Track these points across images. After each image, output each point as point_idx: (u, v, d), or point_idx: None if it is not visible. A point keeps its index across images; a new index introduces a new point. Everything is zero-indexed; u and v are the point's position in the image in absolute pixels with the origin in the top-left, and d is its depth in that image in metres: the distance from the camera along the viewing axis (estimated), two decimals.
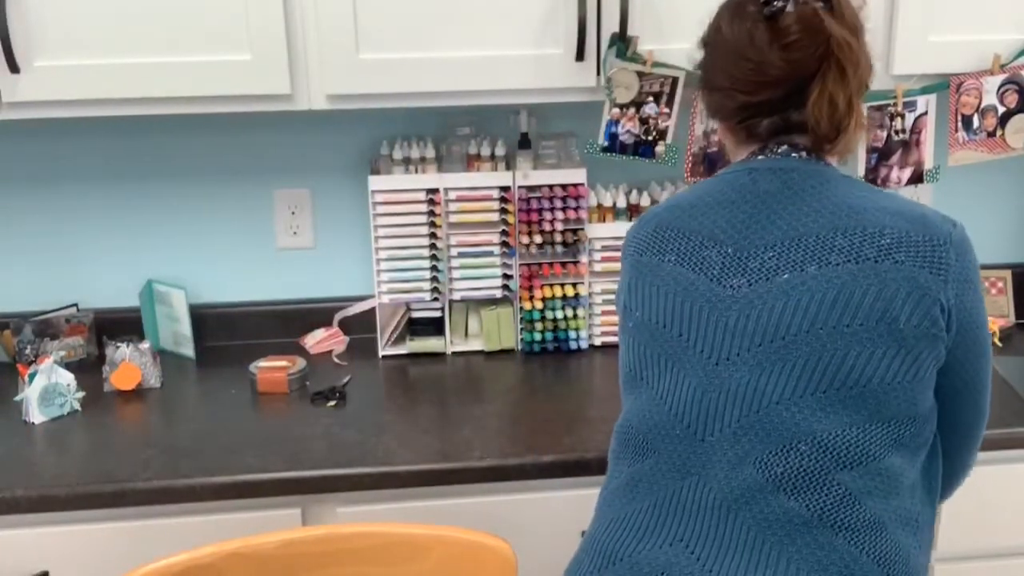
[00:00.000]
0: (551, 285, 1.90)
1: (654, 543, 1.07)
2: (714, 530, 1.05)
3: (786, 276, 1.06)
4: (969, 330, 1.10)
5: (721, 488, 1.05)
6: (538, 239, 1.86)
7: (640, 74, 1.66)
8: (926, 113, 1.75)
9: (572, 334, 1.91)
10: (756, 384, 1.05)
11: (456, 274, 1.89)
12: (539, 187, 1.85)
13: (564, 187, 1.85)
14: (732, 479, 1.05)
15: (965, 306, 1.08)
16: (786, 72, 1.10)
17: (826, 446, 1.03)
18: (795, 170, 1.13)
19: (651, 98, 1.70)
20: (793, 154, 1.14)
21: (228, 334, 2.00)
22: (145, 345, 1.78)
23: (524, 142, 1.89)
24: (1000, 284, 2.01)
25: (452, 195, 1.85)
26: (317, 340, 1.96)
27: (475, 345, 1.94)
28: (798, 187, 1.11)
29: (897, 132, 1.76)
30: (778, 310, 1.05)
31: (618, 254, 1.87)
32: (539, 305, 1.89)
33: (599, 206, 1.89)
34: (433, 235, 1.86)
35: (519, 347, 1.93)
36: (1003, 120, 1.75)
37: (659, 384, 1.12)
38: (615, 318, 1.92)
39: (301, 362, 1.79)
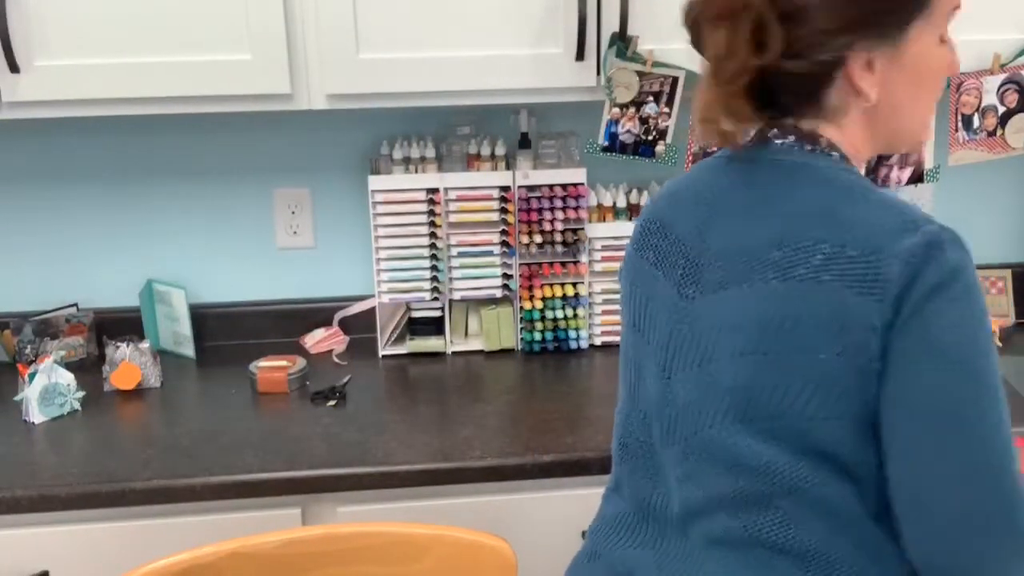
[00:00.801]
0: (551, 285, 1.90)
1: (629, 543, 1.09)
2: (674, 540, 1.05)
3: (727, 292, 0.98)
4: (926, 348, 0.89)
5: (676, 502, 1.05)
6: (538, 239, 1.86)
7: (640, 74, 1.66)
8: None
9: (572, 334, 1.91)
10: (697, 406, 1.01)
11: (456, 274, 1.89)
12: (539, 187, 1.85)
13: (564, 187, 1.85)
14: (682, 495, 1.04)
15: (911, 325, 0.89)
16: None
17: (762, 473, 0.96)
18: (755, 160, 1.02)
19: (651, 98, 1.70)
20: (778, 140, 1.01)
21: (228, 334, 2.00)
22: (145, 345, 1.78)
23: (524, 142, 1.89)
24: (1000, 284, 2.01)
25: (452, 195, 1.85)
26: (317, 340, 1.96)
27: (475, 345, 1.94)
28: (759, 185, 1.00)
29: None
30: (715, 331, 0.99)
31: (618, 253, 1.89)
32: (539, 305, 1.89)
33: (599, 206, 1.89)
34: (433, 235, 1.86)
35: (519, 347, 1.93)
36: (1003, 120, 1.75)
37: (635, 388, 1.11)
38: (615, 318, 1.92)
39: (301, 362, 1.79)
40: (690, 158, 1.77)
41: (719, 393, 0.98)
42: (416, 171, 1.86)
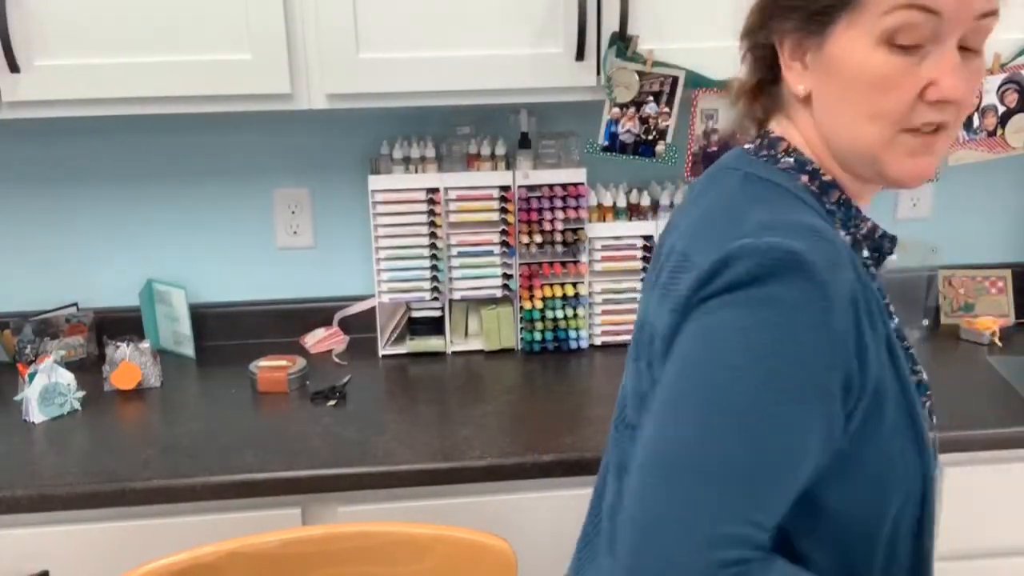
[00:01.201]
0: (551, 285, 1.90)
1: (582, 533, 1.12)
2: (595, 529, 1.07)
3: (644, 297, 0.99)
4: (680, 345, 0.84)
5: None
6: (538, 239, 1.86)
7: (640, 73, 1.66)
8: None
9: (572, 333, 1.91)
10: (617, 407, 1.04)
11: (456, 273, 1.89)
12: (539, 187, 1.85)
13: (564, 187, 1.85)
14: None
15: (680, 328, 0.84)
16: None
17: (622, 476, 0.96)
18: (716, 165, 1.01)
19: (651, 97, 1.70)
20: (748, 144, 1.00)
21: (228, 334, 2.00)
22: (145, 344, 1.78)
23: (524, 142, 1.89)
24: (1000, 284, 2.01)
25: (452, 195, 1.85)
26: (317, 340, 1.96)
27: (475, 345, 1.94)
28: (697, 192, 0.99)
29: None
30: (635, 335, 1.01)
31: (618, 253, 1.89)
32: (539, 304, 1.89)
33: (599, 206, 1.89)
34: (433, 235, 1.86)
35: (519, 347, 1.93)
36: (1003, 120, 1.75)
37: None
38: (615, 318, 1.93)
39: (301, 362, 1.79)
40: (690, 158, 1.77)
41: (624, 396, 1.01)
42: (416, 171, 1.86)
